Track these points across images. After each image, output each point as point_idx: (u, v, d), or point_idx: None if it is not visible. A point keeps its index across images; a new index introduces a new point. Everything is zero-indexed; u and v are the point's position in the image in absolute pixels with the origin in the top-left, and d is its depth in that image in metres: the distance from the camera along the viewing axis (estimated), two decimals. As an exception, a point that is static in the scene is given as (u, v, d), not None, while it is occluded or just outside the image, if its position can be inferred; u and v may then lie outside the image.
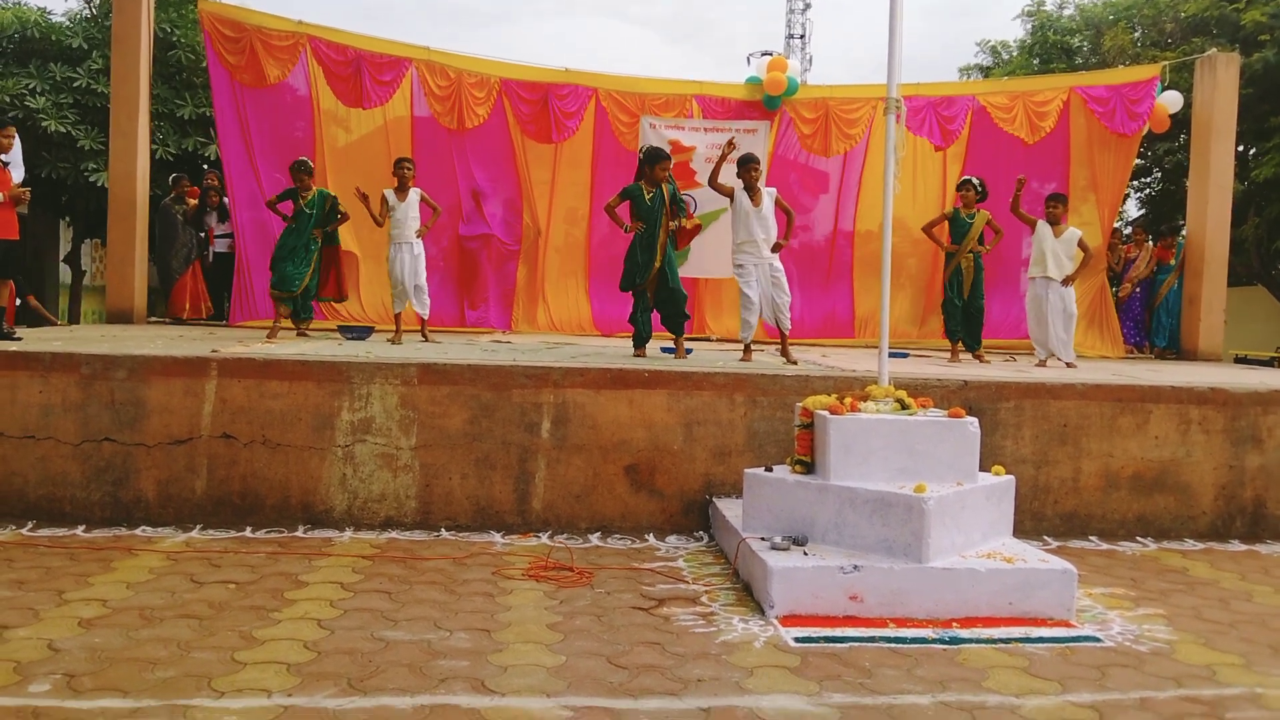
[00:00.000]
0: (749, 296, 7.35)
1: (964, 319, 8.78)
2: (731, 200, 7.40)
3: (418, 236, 8.53)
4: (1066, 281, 8.50)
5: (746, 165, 7.29)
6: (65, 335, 7.57)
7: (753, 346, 7.54)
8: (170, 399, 5.42)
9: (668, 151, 7.67)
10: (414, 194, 8.56)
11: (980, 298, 8.77)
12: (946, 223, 8.79)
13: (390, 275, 8.66)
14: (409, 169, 8.58)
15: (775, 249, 7.36)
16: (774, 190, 7.46)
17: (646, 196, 7.24)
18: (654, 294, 7.42)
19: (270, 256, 8.93)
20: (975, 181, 8.80)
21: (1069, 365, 8.24)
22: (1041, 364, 8.44)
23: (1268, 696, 3.48)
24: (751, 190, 7.29)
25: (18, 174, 7.02)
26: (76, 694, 3.12)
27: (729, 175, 7.45)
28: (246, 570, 4.59)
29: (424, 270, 8.68)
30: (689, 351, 7.64)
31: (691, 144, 10.86)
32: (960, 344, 8.89)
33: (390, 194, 8.50)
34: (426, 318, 8.81)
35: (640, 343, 7.42)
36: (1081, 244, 8.65)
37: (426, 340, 8.53)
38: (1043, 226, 8.58)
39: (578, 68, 11.11)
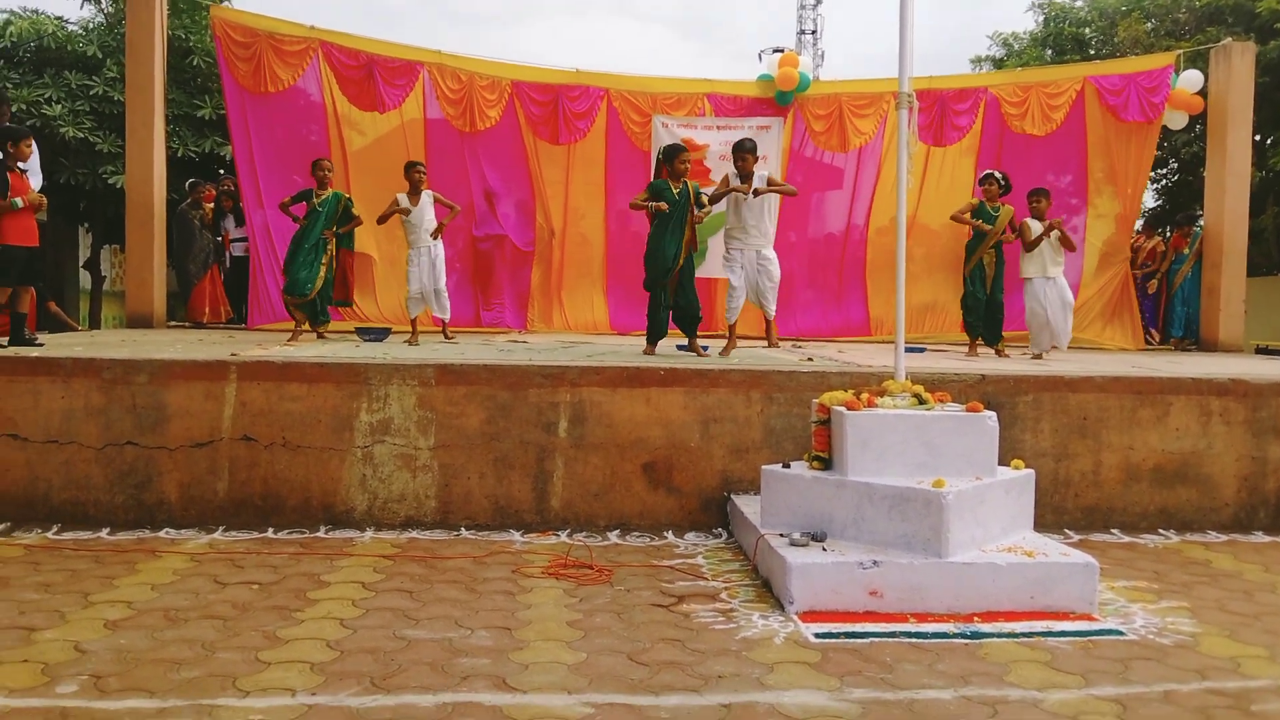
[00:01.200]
0: (732, 284, 7.53)
1: (985, 314, 8.73)
2: (726, 184, 7.46)
3: (434, 237, 8.55)
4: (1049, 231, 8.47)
5: (740, 152, 7.34)
6: (86, 340, 7.64)
7: (743, 343, 7.67)
8: (191, 402, 5.47)
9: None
10: (427, 196, 8.58)
11: (1001, 292, 8.72)
12: (970, 213, 8.73)
13: (408, 280, 8.67)
14: (421, 173, 8.60)
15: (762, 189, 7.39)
16: (765, 174, 7.48)
17: (674, 190, 7.23)
18: (673, 293, 7.40)
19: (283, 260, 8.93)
20: (998, 175, 8.74)
21: (1055, 350, 8.30)
22: (1037, 357, 8.44)
23: (1293, 688, 3.46)
24: (744, 178, 7.30)
25: (35, 181, 7.08)
26: (103, 695, 3.15)
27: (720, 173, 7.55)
28: (269, 571, 4.62)
29: (444, 274, 8.71)
30: (705, 349, 7.64)
31: (704, 142, 10.86)
32: (980, 339, 8.84)
33: (403, 197, 8.52)
34: (447, 320, 8.87)
35: (654, 339, 7.43)
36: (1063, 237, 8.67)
37: (448, 339, 8.58)
38: (1033, 225, 8.50)
39: (588, 68, 11.12)
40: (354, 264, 9.26)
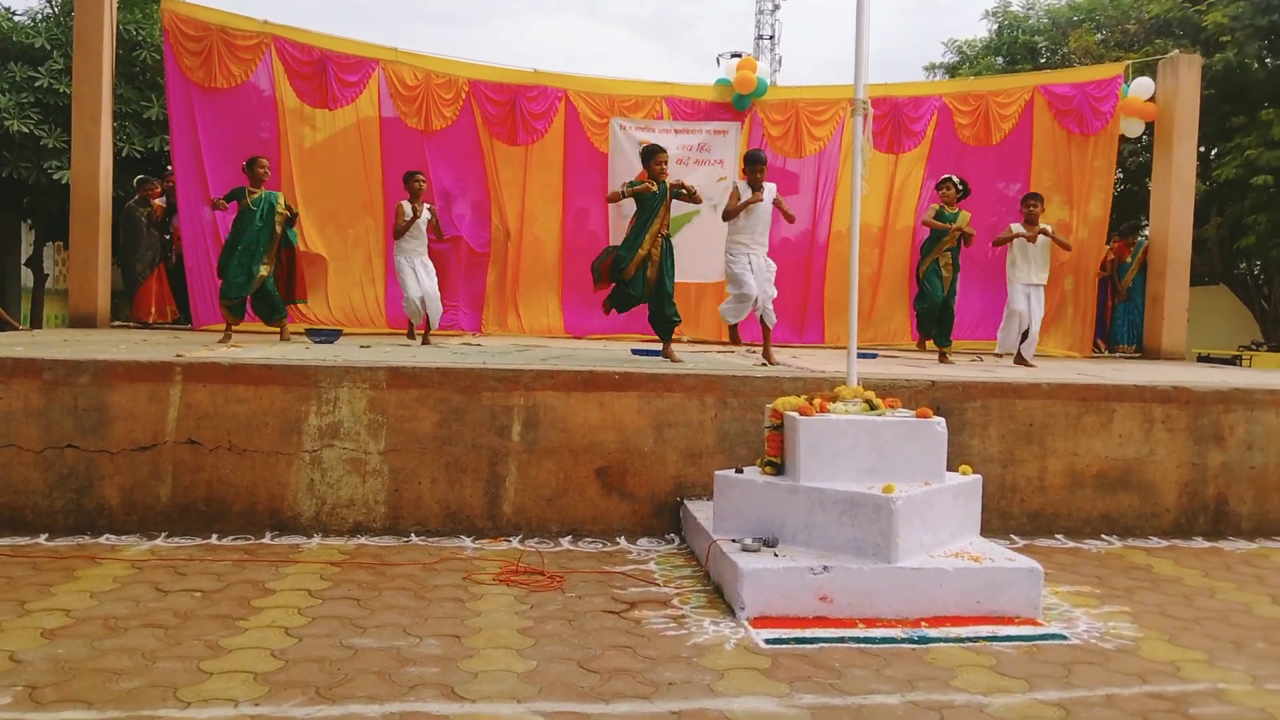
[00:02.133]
0: (746, 283, 7.17)
1: (938, 317, 8.80)
2: (737, 197, 7.25)
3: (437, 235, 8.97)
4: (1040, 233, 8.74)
5: (755, 164, 7.21)
6: (27, 340, 7.46)
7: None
8: (134, 404, 5.35)
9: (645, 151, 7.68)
10: (425, 210, 8.68)
11: (954, 297, 8.81)
12: (934, 217, 8.81)
13: (405, 287, 8.73)
14: (421, 182, 8.73)
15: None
16: (774, 186, 7.35)
17: (654, 188, 7.18)
18: (650, 289, 7.24)
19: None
20: (955, 180, 8.83)
21: (1030, 366, 8.38)
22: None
23: (1231, 692, 3.54)
24: (755, 189, 7.22)
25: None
26: (39, 705, 3.07)
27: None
28: (213, 578, 4.53)
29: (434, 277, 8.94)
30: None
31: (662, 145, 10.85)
32: (931, 339, 8.94)
33: (406, 205, 8.62)
34: (436, 327, 8.95)
35: (617, 307, 7.42)
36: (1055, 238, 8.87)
37: (427, 344, 8.55)
38: (1016, 228, 8.66)
39: (547, 69, 11.09)
40: (302, 261, 9.14)
